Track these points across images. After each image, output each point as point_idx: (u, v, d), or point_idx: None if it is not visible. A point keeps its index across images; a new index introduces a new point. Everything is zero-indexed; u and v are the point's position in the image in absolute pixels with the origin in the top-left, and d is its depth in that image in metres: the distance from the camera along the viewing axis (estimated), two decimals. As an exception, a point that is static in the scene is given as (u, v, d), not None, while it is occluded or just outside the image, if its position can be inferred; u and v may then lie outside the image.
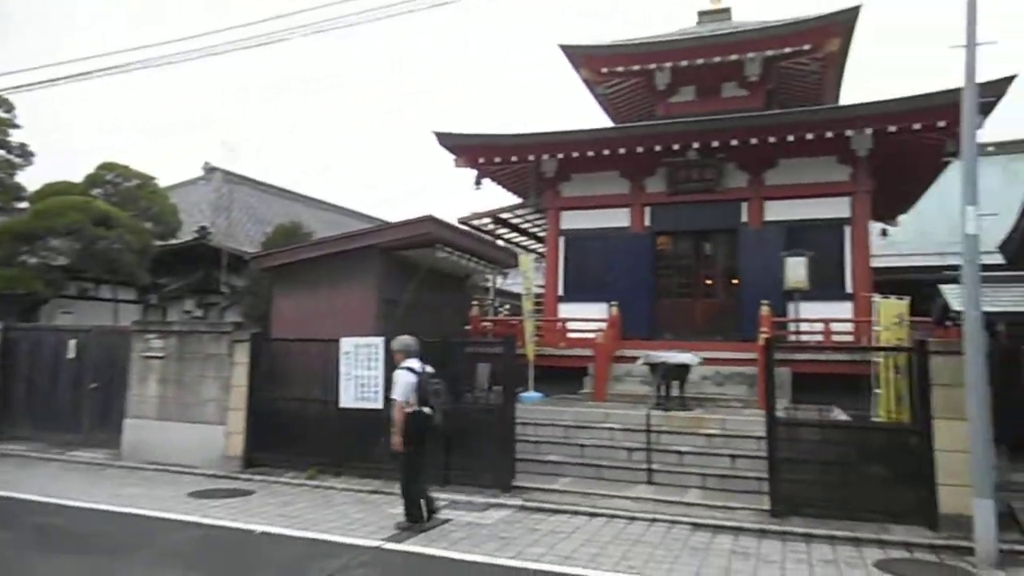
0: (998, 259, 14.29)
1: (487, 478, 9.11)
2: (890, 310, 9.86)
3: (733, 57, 14.42)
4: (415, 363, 7.45)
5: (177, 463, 10.43)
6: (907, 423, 7.76)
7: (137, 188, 15.61)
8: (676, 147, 13.32)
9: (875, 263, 15.30)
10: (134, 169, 16.06)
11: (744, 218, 14.16)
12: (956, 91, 11.54)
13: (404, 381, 7.26)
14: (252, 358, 10.45)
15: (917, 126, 11.76)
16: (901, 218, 18.84)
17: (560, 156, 14.55)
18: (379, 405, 9.58)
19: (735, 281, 14.29)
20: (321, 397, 9.93)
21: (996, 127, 14.95)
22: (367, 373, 9.79)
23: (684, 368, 11.21)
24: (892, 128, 12.08)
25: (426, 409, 7.23)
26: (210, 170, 22.30)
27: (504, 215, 16.97)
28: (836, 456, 7.88)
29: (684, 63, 14.87)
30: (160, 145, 53.12)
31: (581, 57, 14.96)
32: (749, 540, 7.15)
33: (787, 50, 14.19)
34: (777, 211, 13.97)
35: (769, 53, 14.37)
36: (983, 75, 7.63)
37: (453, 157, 14.54)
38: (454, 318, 13.62)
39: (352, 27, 10.37)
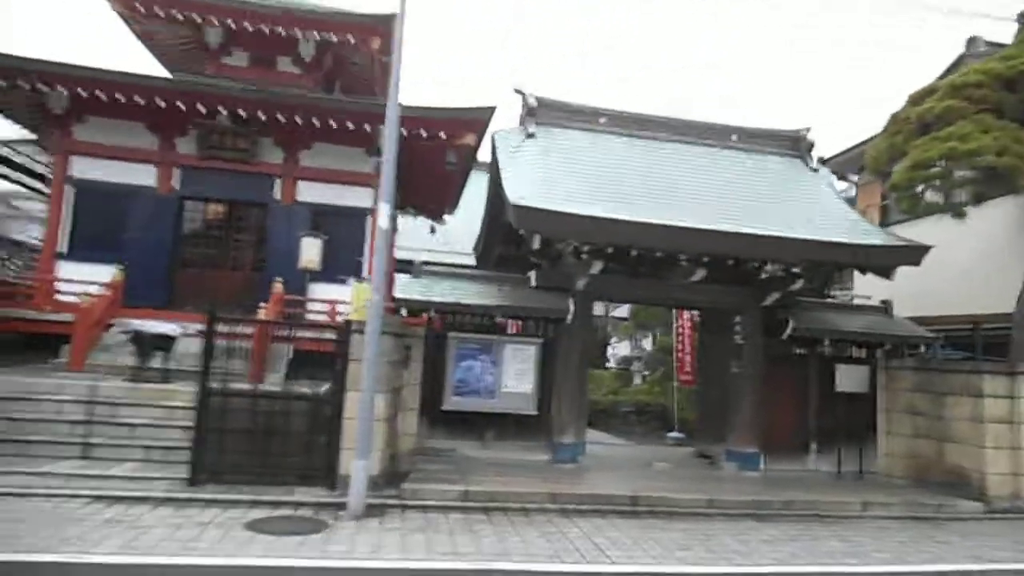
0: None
1: None
2: (362, 293, 10.78)
3: (282, 31, 14.38)
4: None
5: None
6: (326, 394, 8.46)
7: None
8: (204, 109, 12.71)
9: (423, 256, 16.94)
10: None
11: (277, 195, 14.19)
12: (454, 109, 13.36)
13: None
14: None
15: (424, 134, 13.13)
16: (450, 218, 21.07)
17: (66, 91, 12.73)
18: None
19: (263, 256, 14.25)
20: None
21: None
22: None
23: (168, 339, 10.70)
24: (404, 132, 13.28)
25: None
26: None
27: (-1, 150, 14.28)
28: (266, 425, 8.25)
29: (232, 24, 14.34)
30: None
31: (108, -14, 13.36)
32: (142, 508, 7.02)
33: (335, 38, 14.67)
34: (309, 192, 14.28)
35: (319, 36, 14.68)
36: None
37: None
38: None
39: None
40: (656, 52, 71.51)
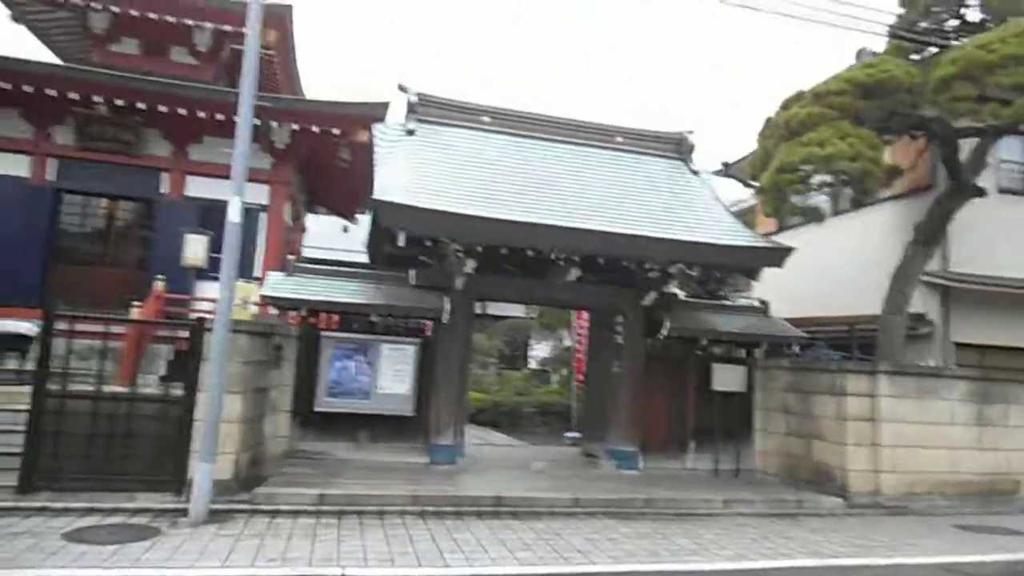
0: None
1: None
2: (240, 292, 10.42)
3: (171, 19, 13.89)
4: None
5: None
6: (176, 395, 8.10)
7: None
8: (76, 97, 12.14)
9: (331, 255, 16.75)
10: None
11: (164, 189, 13.69)
12: (345, 104, 13.10)
13: None
14: None
15: (315, 129, 12.86)
16: (363, 218, 20.75)
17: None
18: None
19: (148, 254, 13.69)
20: None
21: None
22: None
23: (23, 339, 10.12)
24: (296, 126, 13.00)
25: None
26: None
27: None
28: (110, 428, 7.84)
29: (117, 9, 13.78)
30: None
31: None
32: (-47, 520, 6.54)
33: (228, 28, 14.24)
34: (199, 187, 13.81)
35: (211, 26, 14.24)
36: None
37: None
38: None
39: None
40: (660, 54, 72.14)
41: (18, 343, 10.02)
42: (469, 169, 9.94)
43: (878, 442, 9.67)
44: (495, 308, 27.12)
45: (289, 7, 14.01)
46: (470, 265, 9.22)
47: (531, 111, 11.31)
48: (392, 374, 9.83)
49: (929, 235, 10.75)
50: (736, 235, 9.75)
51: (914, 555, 7.27)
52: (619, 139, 11.41)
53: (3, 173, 12.90)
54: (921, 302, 12.31)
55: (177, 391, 8.07)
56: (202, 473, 7.17)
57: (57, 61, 15.80)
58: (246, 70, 7.81)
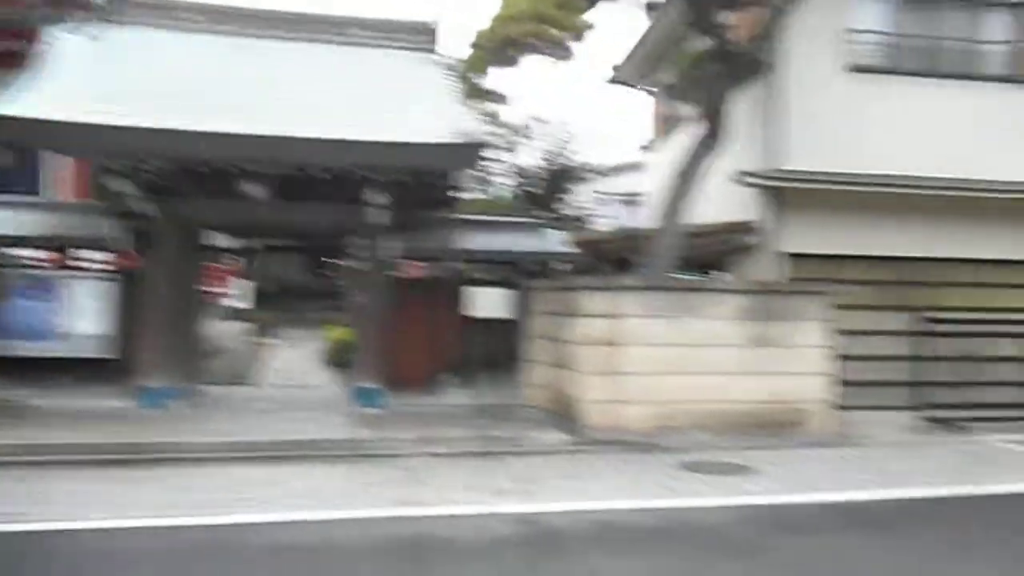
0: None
1: None
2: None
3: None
4: None
5: None
6: None
7: None
8: None
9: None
10: None
11: None
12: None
13: None
14: None
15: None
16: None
17: None
18: None
19: None
20: None
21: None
22: None
23: None
24: None
25: None
26: None
27: None
28: None
29: None
30: None
31: None
32: None
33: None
34: None
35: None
36: None
37: None
38: None
39: None
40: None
41: None
42: (154, 78, 8.70)
43: (620, 369, 8.25)
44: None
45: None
46: (123, 185, 8.13)
47: (257, 6, 9.94)
48: (87, 312, 8.98)
49: (709, 121, 8.92)
50: (456, 136, 8.10)
51: (545, 501, 5.99)
52: (355, 30, 9.87)
53: None
54: (751, 207, 10.61)
55: None
56: None
57: None
58: None
